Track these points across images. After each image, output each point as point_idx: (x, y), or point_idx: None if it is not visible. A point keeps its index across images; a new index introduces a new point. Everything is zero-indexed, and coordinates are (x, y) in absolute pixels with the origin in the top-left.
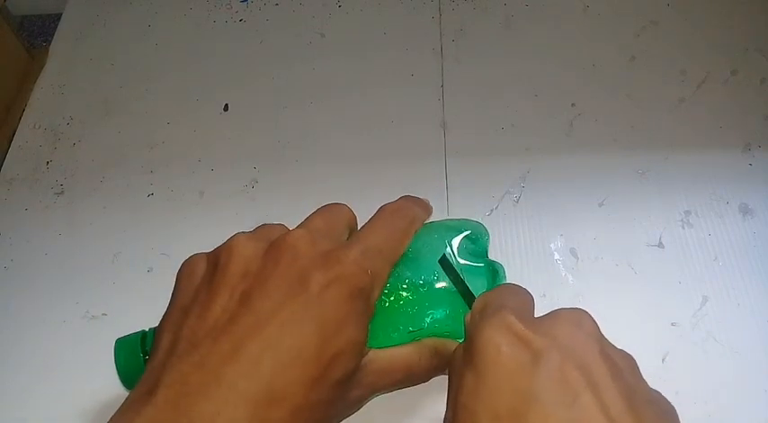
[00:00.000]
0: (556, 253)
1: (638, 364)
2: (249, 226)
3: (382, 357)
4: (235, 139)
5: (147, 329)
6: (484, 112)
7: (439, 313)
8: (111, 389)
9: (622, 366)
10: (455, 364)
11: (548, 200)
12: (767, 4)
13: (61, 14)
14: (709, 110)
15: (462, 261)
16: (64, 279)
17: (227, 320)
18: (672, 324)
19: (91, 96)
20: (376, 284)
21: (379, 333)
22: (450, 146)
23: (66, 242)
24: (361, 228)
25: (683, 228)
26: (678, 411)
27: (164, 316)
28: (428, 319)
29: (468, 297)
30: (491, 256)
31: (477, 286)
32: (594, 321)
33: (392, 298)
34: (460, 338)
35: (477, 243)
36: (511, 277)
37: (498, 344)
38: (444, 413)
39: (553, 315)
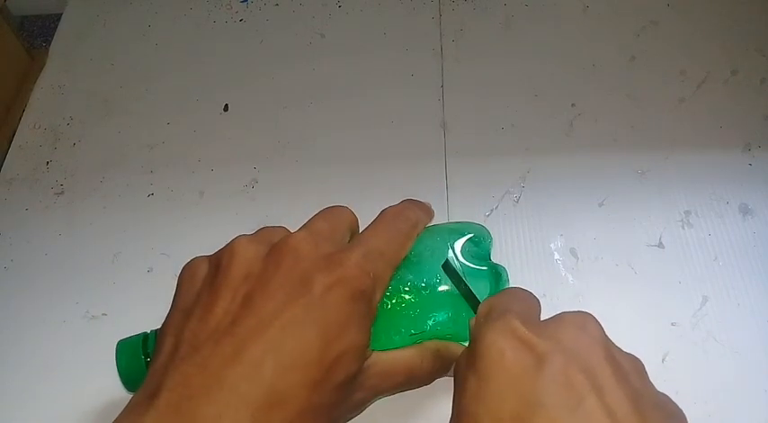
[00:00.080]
0: (556, 253)
1: None
2: (249, 226)
3: (384, 360)
4: (235, 139)
5: (148, 331)
6: (484, 112)
7: (441, 316)
8: (112, 389)
9: (628, 369)
10: (459, 368)
11: (548, 200)
12: (767, 4)
13: (61, 14)
14: (709, 110)
15: (465, 264)
16: (64, 279)
17: (229, 323)
18: (672, 324)
19: (91, 96)
20: (378, 287)
21: (381, 335)
22: (450, 146)
23: (66, 242)
24: (363, 230)
25: (683, 228)
26: None
27: (165, 319)
28: (430, 322)
29: (470, 300)
30: (493, 258)
31: (479, 289)
32: (599, 324)
33: (394, 300)
34: (463, 341)
35: (480, 246)
36: (511, 277)
37: (502, 348)
38: (450, 418)
39: (558, 318)
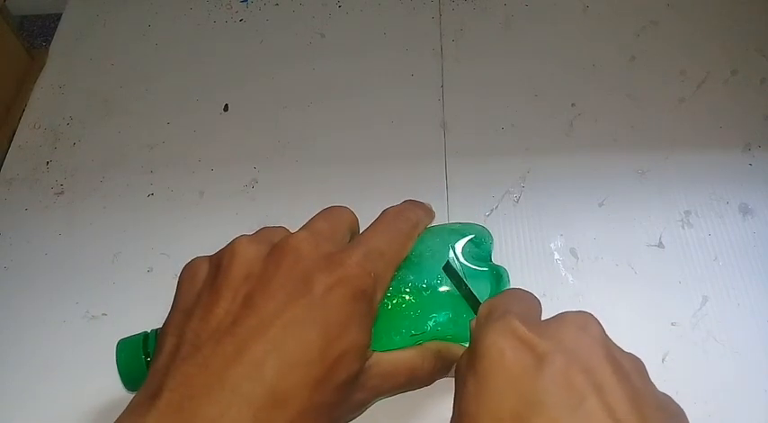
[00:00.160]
0: (556, 253)
1: None
2: (249, 226)
3: (386, 360)
4: (235, 139)
5: (149, 331)
6: (484, 112)
7: (442, 317)
8: (112, 389)
9: (629, 369)
10: (460, 369)
11: (548, 200)
12: (767, 4)
13: (61, 14)
14: (709, 110)
15: (466, 265)
16: (64, 279)
17: (230, 323)
18: (672, 324)
19: (91, 96)
20: (379, 287)
21: (382, 336)
22: (450, 146)
23: (66, 242)
24: (364, 231)
25: (683, 228)
26: None
27: (166, 319)
28: (431, 323)
29: (471, 301)
30: (493, 259)
31: (480, 290)
32: (600, 324)
33: (395, 301)
34: (463, 342)
35: (480, 247)
36: (511, 277)
37: (502, 348)
38: (450, 419)
39: (558, 318)
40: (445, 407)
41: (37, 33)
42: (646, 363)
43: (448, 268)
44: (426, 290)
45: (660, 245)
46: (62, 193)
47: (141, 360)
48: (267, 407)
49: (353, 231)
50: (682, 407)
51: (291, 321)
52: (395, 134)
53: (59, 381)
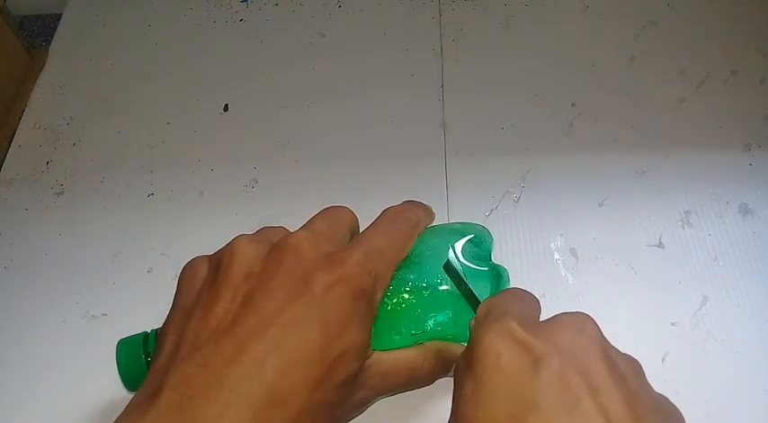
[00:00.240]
0: (556, 253)
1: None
2: (249, 226)
3: (386, 360)
4: (235, 139)
5: (149, 331)
6: (484, 112)
7: (442, 316)
8: (112, 389)
9: (625, 370)
10: (458, 370)
11: (548, 200)
12: (767, 4)
13: (61, 14)
14: (709, 110)
15: (466, 264)
16: (64, 279)
17: (229, 322)
18: (672, 324)
19: (91, 96)
20: (379, 286)
21: (382, 335)
22: (450, 146)
23: (66, 242)
24: (364, 230)
25: (683, 228)
26: None
27: (166, 319)
28: (431, 322)
29: (471, 300)
30: (493, 259)
31: (480, 290)
32: (597, 326)
33: (395, 300)
34: (464, 342)
35: (480, 246)
36: (511, 277)
37: (499, 350)
38: (448, 420)
39: (556, 320)
40: (445, 406)
41: (37, 33)
42: (646, 363)
43: (448, 268)
44: (426, 289)
45: (660, 245)
46: (62, 193)
47: (141, 360)
48: (267, 406)
49: (353, 231)
50: (681, 407)
51: (291, 320)
52: (395, 134)
53: (59, 381)
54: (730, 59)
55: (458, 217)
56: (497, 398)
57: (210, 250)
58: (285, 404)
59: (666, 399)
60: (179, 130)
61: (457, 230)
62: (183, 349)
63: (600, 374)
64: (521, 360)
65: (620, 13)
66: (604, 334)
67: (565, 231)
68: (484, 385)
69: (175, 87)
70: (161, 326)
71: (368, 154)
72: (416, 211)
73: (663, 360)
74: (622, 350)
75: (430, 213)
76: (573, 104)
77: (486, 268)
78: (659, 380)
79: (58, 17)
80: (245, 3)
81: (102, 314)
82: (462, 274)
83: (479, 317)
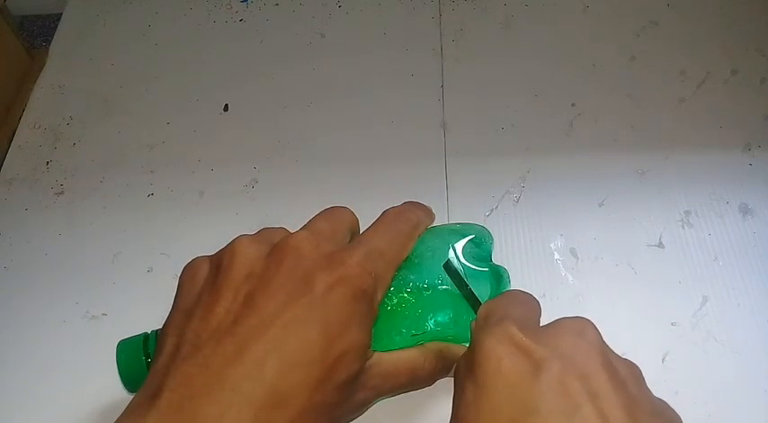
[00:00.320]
0: (556, 253)
1: (639, 364)
2: (249, 226)
3: (387, 360)
4: (235, 139)
5: (149, 332)
6: (484, 112)
7: (442, 317)
8: (112, 389)
9: (625, 376)
10: (459, 374)
11: (548, 200)
12: (767, 4)
13: (61, 14)
14: (709, 110)
15: (466, 265)
16: (64, 279)
17: (230, 322)
18: (672, 324)
19: (91, 96)
20: (379, 287)
21: (383, 336)
22: (450, 146)
23: (66, 242)
24: (365, 231)
25: (683, 228)
26: (678, 411)
27: (167, 319)
28: (431, 323)
29: (472, 301)
30: (493, 259)
31: (481, 290)
32: (597, 330)
33: (395, 301)
34: (464, 342)
35: (481, 247)
36: (511, 277)
37: (500, 356)
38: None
39: (556, 324)
40: (446, 406)
41: (37, 33)
42: (646, 363)
43: (448, 268)
44: (427, 290)
45: (660, 245)
46: (62, 193)
47: (142, 361)
48: (267, 406)
49: (354, 231)
50: (681, 407)
51: (292, 321)
52: (395, 134)
53: (59, 381)
54: (730, 59)
55: (458, 217)
56: (498, 403)
57: (210, 250)
58: (286, 404)
59: (665, 403)
60: (179, 130)
61: (457, 231)
62: (183, 349)
63: (600, 380)
64: (521, 365)
65: (620, 13)
66: (604, 337)
67: (565, 231)
68: (485, 390)
69: (175, 87)
70: (161, 327)
71: (368, 154)
72: (417, 211)
73: (663, 360)
74: (622, 350)
75: (430, 214)
76: (573, 104)
77: (487, 269)
78: (659, 380)
79: (58, 17)
80: (245, 3)
81: (102, 314)
82: (463, 275)
83: (480, 320)
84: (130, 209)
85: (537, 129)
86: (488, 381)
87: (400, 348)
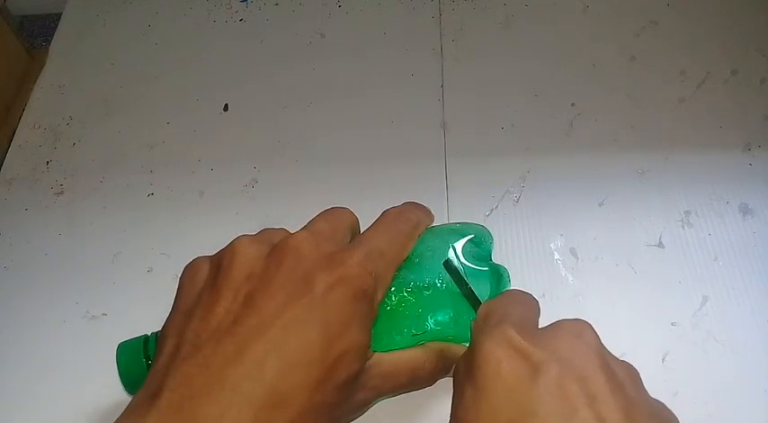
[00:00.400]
0: (556, 253)
1: (639, 364)
2: (249, 226)
3: (387, 360)
4: (235, 139)
5: (149, 334)
6: (484, 112)
7: (442, 316)
8: (112, 389)
9: (623, 378)
10: (458, 376)
11: (548, 200)
12: (767, 4)
13: (61, 14)
14: (709, 110)
15: (466, 264)
16: (64, 279)
17: (230, 322)
18: (672, 324)
19: (91, 96)
20: (379, 287)
21: (383, 336)
22: (450, 146)
23: (66, 242)
24: (365, 231)
25: (683, 228)
26: (678, 411)
27: (167, 320)
28: (432, 322)
29: (472, 300)
30: (493, 259)
31: (481, 290)
32: (596, 333)
33: (396, 301)
34: (465, 342)
35: (480, 246)
36: (511, 277)
37: (499, 358)
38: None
39: (555, 326)
40: (446, 407)
41: (37, 33)
42: (646, 363)
43: (448, 267)
44: (427, 289)
45: (660, 245)
46: (62, 193)
47: (142, 363)
48: (268, 407)
49: (354, 232)
50: (681, 407)
51: (292, 321)
52: (395, 134)
53: (59, 381)
54: (730, 59)
55: (458, 217)
56: (497, 405)
57: (210, 250)
58: (286, 405)
59: (663, 405)
60: (179, 129)
61: (457, 230)
62: (183, 350)
63: (597, 382)
64: (520, 368)
65: (620, 13)
66: (603, 336)
67: (565, 231)
68: (484, 392)
69: (175, 87)
70: (161, 327)
71: (368, 154)
72: (417, 211)
73: (663, 360)
74: (622, 350)
75: (430, 214)
76: (573, 104)
77: (487, 268)
78: (659, 380)
79: (57, 17)
80: (245, 3)
81: (102, 314)
82: (463, 274)
83: (479, 320)
84: (130, 209)
85: (537, 129)
86: (487, 383)
87: (401, 348)
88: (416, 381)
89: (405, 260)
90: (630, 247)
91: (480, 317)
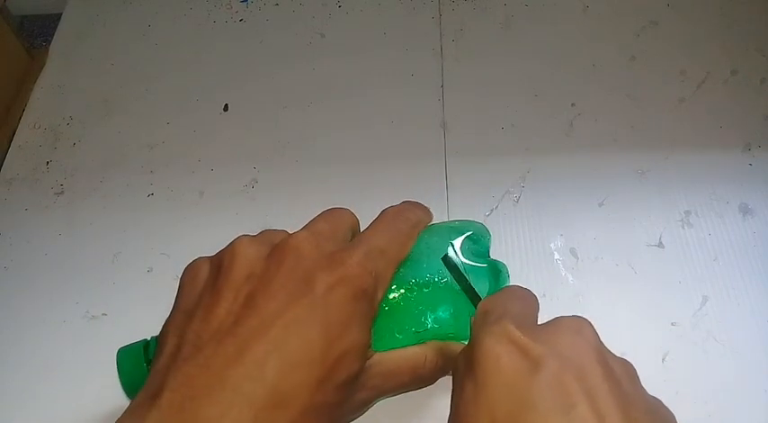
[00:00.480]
0: (556, 253)
1: (639, 364)
2: (249, 226)
3: (388, 359)
4: (235, 139)
5: (149, 338)
6: (484, 112)
7: (443, 313)
8: (112, 389)
9: (620, 374)
10: (457, 371)
11: (548, 200)
12: (767, 4)
13: (61, 14)
14: (709, 110)
15: (465, 261)
16: (64, 279)
17: (231, 323)
18: (672, 324)
19: (91, 96)
20: (380, 286)
21: (385, 334)
22: (450, 146)
23: (66, 242)
24: (364, 230)
25: (683, 228)
26: (678, 411)
27: (167, 320)
28: (432, 320)
29: (471, 296)
30: (492, 257)
31: (480, 286)
32: (594, 330)
33: (396, 299)
34: (464, 340)
35: (479, 243)
36: (512, 277)
37: (498, 354)
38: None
39: (554, 323)
40: (446, 407)
41: (37, 33)
42: (646, 363)
43: (448, 265)
44: (427, 287)
45: (660, 245)
46: (62, 193)
47: (143, 367)
48: (268, 407)
49: (354, 232)
50: (678, 408)
51: (293, 321)
52: (395, 134)
53: (59, 381)
54: (730, 59)
55: (458, 217)
56: (496, 399)
57: (210, 250)
58: (287, 405)
59: (660, 402)
60: (179, 130)
61: (455, 228)
62: (184, 350)
63: (596, 378)
64: (519, 363)
65: (620, 13)
66: (603, 336)
67: (565, 231)
68: (483, 387)
69: (175, 87)
70: (162, 328)
71: (368, 154)
72: (415, 210)
73: (663, 360)
74: (622, 350)
75: (428, 213)
76: (573, 104)
77: (486, 264)
78: (659, 380)
79: (57, 17)
80: (245, 3)
81: (102, 314)
82: (462, 271)
83: (478, 317)
84: (130, 209)
85: (537, 129)
86: (487, 378)
87: (402, 346)
88: (417, 380)
89: (404, 258)
90: (630, 247)
91: (479, 313)
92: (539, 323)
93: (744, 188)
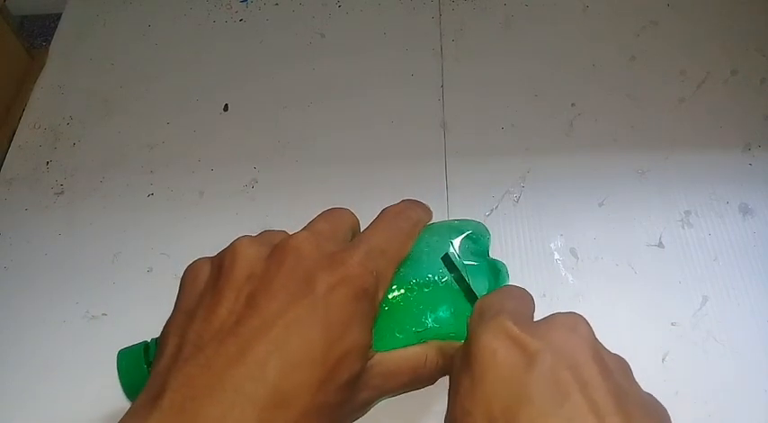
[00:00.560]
0: (556, 253)
1: (639, 364)
2: (249, 226)
3: (389, 359)
4: (235, 139)
5: (149, 340)
6: (484, 112)
7: (443, 313)
8: (112, 389)
9: (614, 369)
10: (455, 367)
11: (548, 200)
12: (767, 4)
13: (61, 14)
14: (709, 110)
15: (465, 261)
16: (64, 279)
17: (233, 323)
18: (672, 324)
19: (91, 96)
20: (380, 285)
21: (386, 334)
22: (450, 146)
23: (66, 242)
24: (364, 230)
25: (683, 228)
26: (678, 411)
27: (168, 321)
28: (433, 320)
29: (471, 296)
30: (492, 256)
31: (479, 285)
32: (589, 326)
33: (396, 299)
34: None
35: (478, 242)
36: (511, 277)
37: (495, 348)
38: (445, 414)
39: (549, 319)
40: (446, 406)
41: (37, 33)
42: (646, 363)
43: (447, 264)
44: (427, 286)
45: (660, 245)
46: (62, 193)
47: (143, 369)
48: (270, 407)
49: (354, 232)
50: (678, 408)
51: (294, 321)
52: (395, 134)
53: (59, 381)
54: (730, 59)
55: (458, 217)
56: (493, 392)
57: (211, 250)
58: (288, 405)
59: (653, 397)
60: (179, 130)
61: (455, 227)
62: (185, 351)
63: (590, 371)
64: (515, 357)
65: (620, 13)
66: (603, 336)
67: (565, 231)
68: (480, 380)
69: (175, 87)
70: (162, 328)
71: (368, 154)
72: (415, 209)
73: (663, 360)
74: (622, 350)
75: (428, 212)
76: (573, 104)
77: (485, 263)
78: (659, 380)
79: (57, 17)
80: (245, 3)
81: (102, 314)
82: (461, 270)
83: (476, 314)
84: (130, 209)
85: (537, 129)
86: (484, 372)
87: (403, 346)
88: (418, 379)
89: (405, 258)
90: (630, 247)
91: (477, 311)
92: (535, 320)
93: (744, 188)
